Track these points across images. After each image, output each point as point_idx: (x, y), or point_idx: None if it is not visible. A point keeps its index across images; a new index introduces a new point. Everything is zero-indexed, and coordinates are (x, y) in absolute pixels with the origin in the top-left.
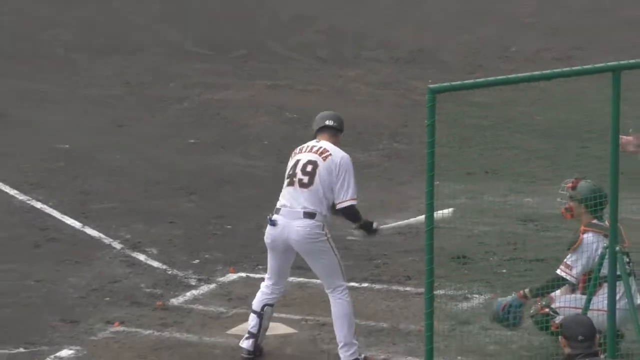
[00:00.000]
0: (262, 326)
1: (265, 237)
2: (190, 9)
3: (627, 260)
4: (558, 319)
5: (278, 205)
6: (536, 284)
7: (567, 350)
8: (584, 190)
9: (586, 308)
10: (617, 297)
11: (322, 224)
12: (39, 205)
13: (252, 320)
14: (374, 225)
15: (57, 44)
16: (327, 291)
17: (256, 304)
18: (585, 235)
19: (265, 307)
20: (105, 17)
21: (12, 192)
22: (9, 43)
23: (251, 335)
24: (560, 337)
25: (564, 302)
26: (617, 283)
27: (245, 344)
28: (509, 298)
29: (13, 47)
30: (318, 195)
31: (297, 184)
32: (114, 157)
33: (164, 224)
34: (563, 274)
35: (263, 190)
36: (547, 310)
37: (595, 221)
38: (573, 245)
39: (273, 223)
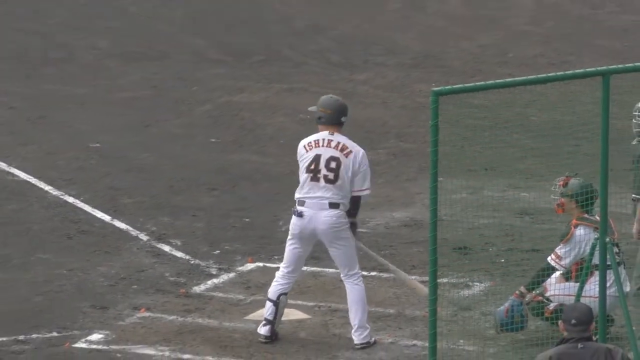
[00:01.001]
0: (277, 313)
1: (291, 229)
2: (212, 20)
3: (617, 250)
4: (551, 306)
5: (301, 197)
6: (528, 279)
7: (564, 334)
8: (575, 187)
9: (578, 295)
10: (607, 285)
11: (344, 212)
12: (71, 199)
13: (269, 308)
14: (356, 231)
15: (92, 51)
16: (343, 278)
17: (272, 293)
18: (576, 229)
19: (281, 297)
20: (136, 27)
21: (47, 187)
22: (50, 51)
23: (268, 322)
24: (560, 321)
25: (557, 290)
26: (608, 272)
27: (263, 330)
28: (507, 302)
29: (53, 54)
30: (342, 189)
31: (322, 180)
32: (141, 155)
33: (187, 217)
34: (553, 263)
35: (279, 186)
36: (540, 298)
37: (586, 215)
38: (565, 237)
39: (300, 214)
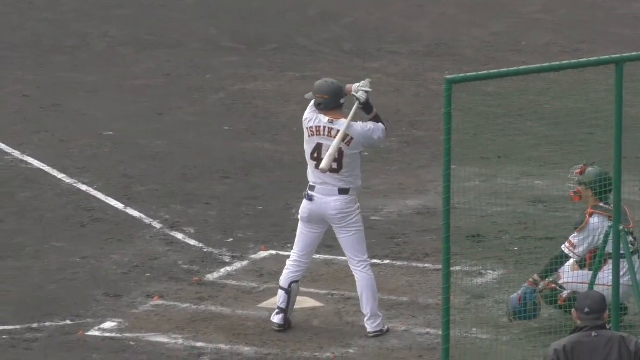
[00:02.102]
0: (290, 301)
1: (301, 212)
2: (225, 8)
3: (632, 239)
4: (565, 294)
5: (311, 182)
6: (542, 267)
7: (577, 322)
8: (591, 175)
9: (592, 283)
10: (621, 274)
11: (355, 197)
12: (85, 187)
13: (281, 296)
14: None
15: (106, 40)
16: (352, 266)
17: (283, 281)
18: (591, 218)
19: (292, 284)
20: (149, 15)
21: (60, 175)
22: (63, 39)
23: (281, 310)
24: (573, 309)
25: (570, 277)
26: (621, 260)
27: (276, 318)
28: (520, 290)
29: (66, 42)
30: (350, 174)
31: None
32: (154, 143)
33: (201, 205)
34: (567, 251)
35: (291, 174)
36: (554, 285)
37: (601, 204)
38: (580, 225)
39: (310, 198)
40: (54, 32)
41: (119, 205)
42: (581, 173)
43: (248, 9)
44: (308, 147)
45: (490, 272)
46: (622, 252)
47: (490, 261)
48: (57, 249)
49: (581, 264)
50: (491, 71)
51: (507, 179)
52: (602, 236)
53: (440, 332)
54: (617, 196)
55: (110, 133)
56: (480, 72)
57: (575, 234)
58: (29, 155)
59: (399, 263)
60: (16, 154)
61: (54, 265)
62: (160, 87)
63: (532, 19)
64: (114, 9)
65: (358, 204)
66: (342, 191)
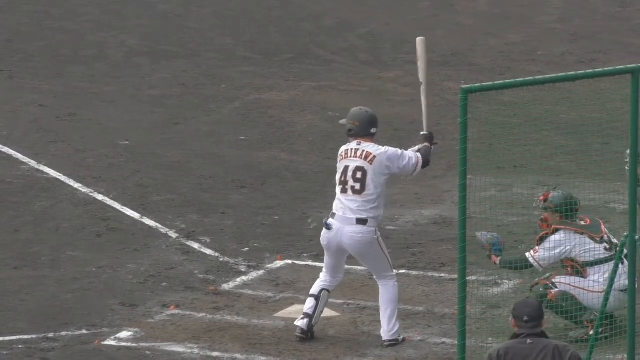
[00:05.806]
0: (317, 308)
1: (321, 239)
2: (241, 18)
3: (607, 246)
4: (554, 291)
5: (333, 210)
6: (509, 257)
7: (515, 330)
8: (556, 200)
9: (607, 293)
10: (602, 280)
11: (374, 228)
12: (101, 197)
13: (309, 302)
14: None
15: (122, 50)
16: (377, 279)
17: (314, 288)
18: (557, 232)
19: (323, 292)
20: (165, 25)
21: (76, 185)
22: (80, 49)
23: (306, 315)
24: (511, 318)
25: (564, 279)
26: (601, 268)
27: (301, 323)
28: (493, 244)
29: (83, 52)
30: (371, 200)
31: (350, 191)
32: (170, 153)
33: (216, 214)
34: (530, 257)
35: (307, 184)
36: (547, 281)
37: (568, 221)
38: (545, 238)
39: (328, 227)
40: (70, 42)
41: (135, 214)
42: (545, 199)
43: (264, 19)
44: (337, 174)
45: (506, 281)
46: (595, 258)
47: (506, 271)
48: (73, 259)
49: (576, 270)
50: (507, 81)
51: (523, 189)
52: (568, 248)
53: (456, 342)
54: (632, 204)
55: (126, 143)
56: (496, 82)
57: (540, 244)
58: (45, 165)
59: (414, 273)
60: (32, 163)
61: (70, 274)
62: (176, 96)
63: (548, 29)
64: (131, 19)
65: (378, 235)
66: (360, 221)
